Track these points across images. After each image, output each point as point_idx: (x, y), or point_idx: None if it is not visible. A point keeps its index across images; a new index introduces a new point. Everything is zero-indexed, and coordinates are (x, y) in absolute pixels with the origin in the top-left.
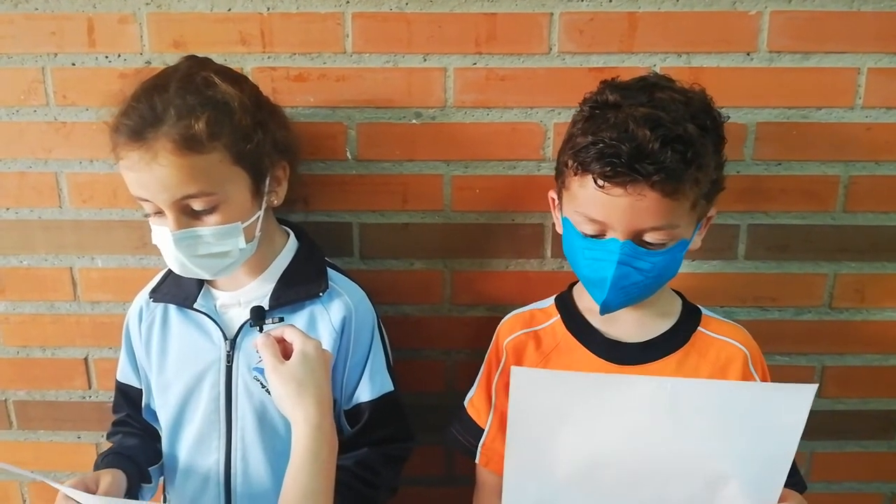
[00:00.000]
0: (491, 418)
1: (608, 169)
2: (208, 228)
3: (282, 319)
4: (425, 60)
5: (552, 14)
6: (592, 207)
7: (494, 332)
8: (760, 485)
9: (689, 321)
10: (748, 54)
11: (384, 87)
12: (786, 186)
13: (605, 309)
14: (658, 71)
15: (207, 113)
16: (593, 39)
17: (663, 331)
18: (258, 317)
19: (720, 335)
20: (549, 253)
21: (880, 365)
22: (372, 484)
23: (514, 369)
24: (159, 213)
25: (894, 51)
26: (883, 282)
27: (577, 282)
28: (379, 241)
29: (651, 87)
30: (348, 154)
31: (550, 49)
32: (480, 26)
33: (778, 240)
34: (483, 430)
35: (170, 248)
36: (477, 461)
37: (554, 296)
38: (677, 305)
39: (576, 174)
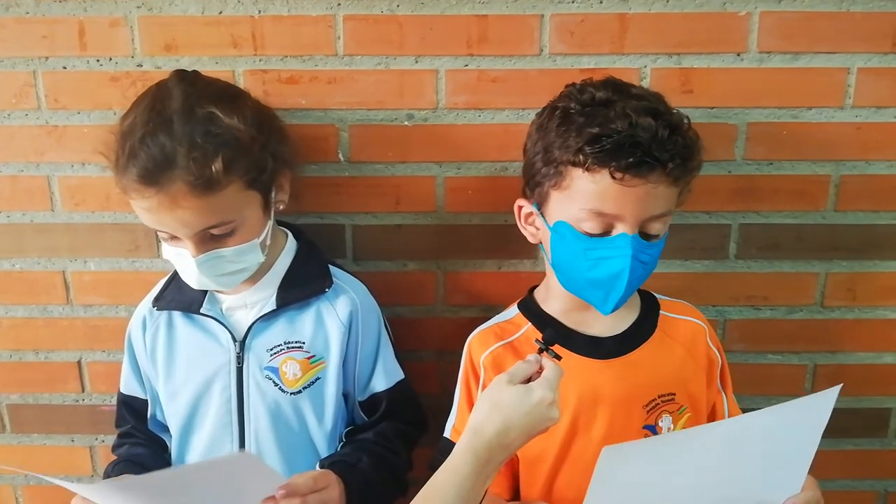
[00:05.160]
0: None
1: (630, 159)
2: (229, 249)
3: (558, 358)
4: (417, 62)
5: (543, 16)
6: (606, 201)
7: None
8: (788, 481)
9: (651, 307)
10: (738, 55)
11: (376, 89)
12: (777, 186)
13: (614, 308)
14: (649, 72)
15: (222, 153)
16: (584, 41)
17: (632, 320)
18: (548, 341)
19: (680, 315)
20: (541, 253)
21: (872, 363)
22: (392, 450)
23: (607, 448)
24: (175, 238)
25: (884, 50)
26: (874, 280)
27: (537, 287)
28: (372, 243)
29: (622, 84)
30: (340, 156)
31: (541, 50)
32: (472, 28)
33: (769, 239)
34: None
35: (192, 271)
36: None
37: (514, 305)
38: (635, 295)
39: (587, 170)
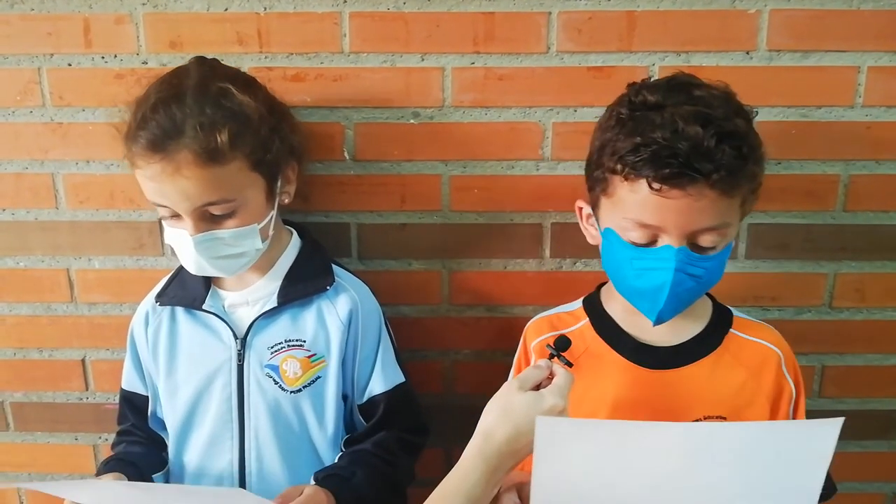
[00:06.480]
0: None
1: (666, 171)
2: (227, 231)
3: (570, 365)
4: (423, 60)
5: (550, 13)
6: (646, 212)
7: (499, 332)
8: None
9: (720, 323)
10: (747, 53)
11: (382, 86)
12: (786, 186)
13: (660, 320)
14: (657, 71)
15: (229, 125)
16: (592, 38)
17: (695, 334)
18: (560, 347)
19: (753, 337)
20: (547, 253)
21: (880, 365)
22: (390, 462)
23: (539, 419)
24: (176, 216)
25: (894, 49)
26: (883, 281)
27: (605, 284)
28: (377, 242)
29: (685, 85)
30: (346, 154)
31: (549, 48)
32: (478, 25)
33: (778, 239)
34: None
35: (189, 251)
36: None
37: (581, 298)
38: (708, 307)
39: (626, 179)
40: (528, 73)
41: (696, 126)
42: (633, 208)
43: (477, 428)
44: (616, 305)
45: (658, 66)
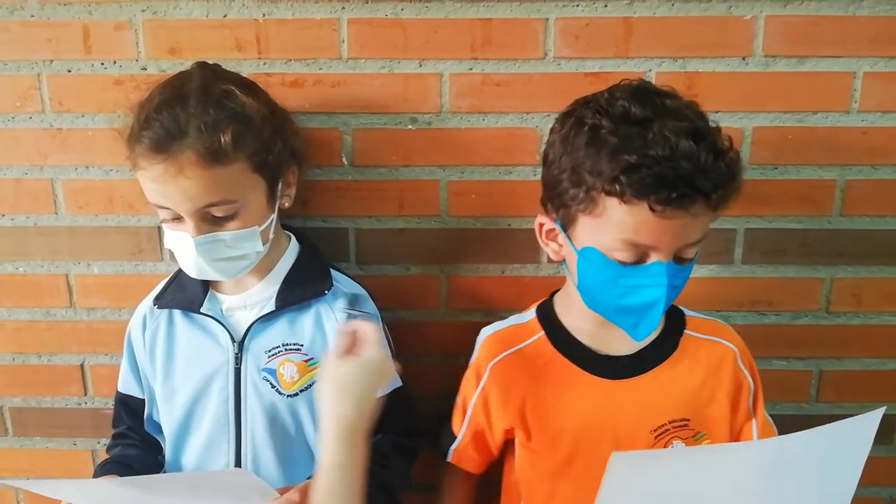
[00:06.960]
0: (464, 430)
1: (674, 194)
2: (228, 233)
3: (367, 313)
4: (421, 66)
5: (547, 19)
6: (642, 233)
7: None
8: None
9: (675, 325)
10: (744, 59)
11: (380, 92)
12: (782, 191)
13: (646, 335)
14: (654, 76)
15: (232, 126)
16: (589, 44)
17: (651, 340)
18: (351, 303)
19: (707, 335)
20: (544, 258)
21: (877, 369)
22: (384, 466)
23: (616, 455)
24: (177, 219)
25: (890, 55)
26: (880, 286)
27: (557, 292)
28: (375, 247)
29: (653, 94)
30: (344, 160)
31: (546, 54)
32: (476, 32)
33: (775, 244)
34: (456, 437)
35: (190, 253)
36: (449, 459)
37: (534, 308)
38: None
39: (624, 202)
40: (525, 78)
41: (689, 142)
42: (627, 229)
43: (323, 413)
44: (572, 317)
45: (655, 71)
